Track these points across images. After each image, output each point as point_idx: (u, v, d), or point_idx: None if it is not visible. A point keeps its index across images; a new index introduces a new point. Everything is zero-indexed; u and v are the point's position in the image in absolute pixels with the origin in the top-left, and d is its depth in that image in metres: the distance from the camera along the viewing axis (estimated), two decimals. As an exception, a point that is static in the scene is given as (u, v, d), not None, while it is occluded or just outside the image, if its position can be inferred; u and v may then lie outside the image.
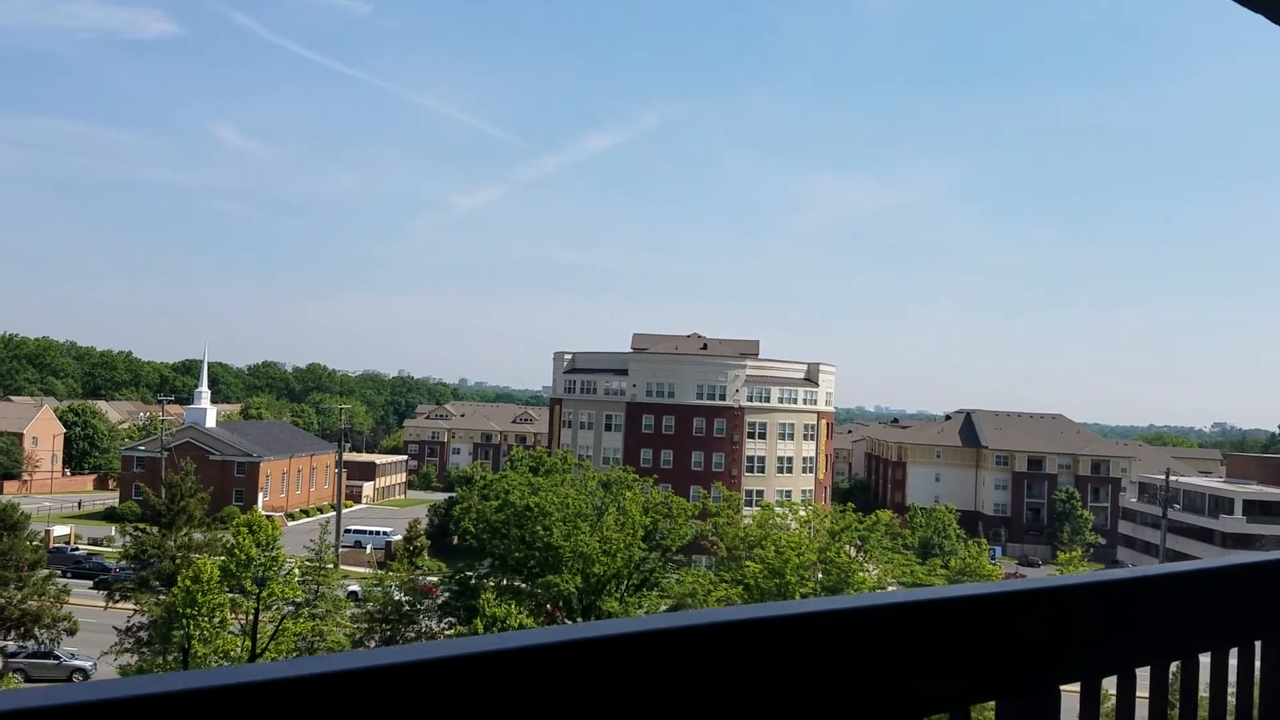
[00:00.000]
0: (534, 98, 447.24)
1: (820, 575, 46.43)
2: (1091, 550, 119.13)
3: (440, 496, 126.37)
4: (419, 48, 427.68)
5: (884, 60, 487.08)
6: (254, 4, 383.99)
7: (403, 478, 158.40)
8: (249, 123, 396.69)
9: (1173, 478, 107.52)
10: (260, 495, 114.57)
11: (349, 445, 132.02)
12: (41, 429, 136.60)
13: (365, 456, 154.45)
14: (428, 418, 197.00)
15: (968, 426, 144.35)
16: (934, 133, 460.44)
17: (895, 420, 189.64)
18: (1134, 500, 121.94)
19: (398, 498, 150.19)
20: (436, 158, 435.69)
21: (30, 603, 47.78)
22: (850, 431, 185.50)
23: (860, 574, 46.63)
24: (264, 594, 44.67)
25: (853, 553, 49.53)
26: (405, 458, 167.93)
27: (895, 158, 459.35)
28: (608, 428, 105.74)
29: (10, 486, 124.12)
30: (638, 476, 57.73)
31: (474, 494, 59.54)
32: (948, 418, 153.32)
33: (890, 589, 44.68)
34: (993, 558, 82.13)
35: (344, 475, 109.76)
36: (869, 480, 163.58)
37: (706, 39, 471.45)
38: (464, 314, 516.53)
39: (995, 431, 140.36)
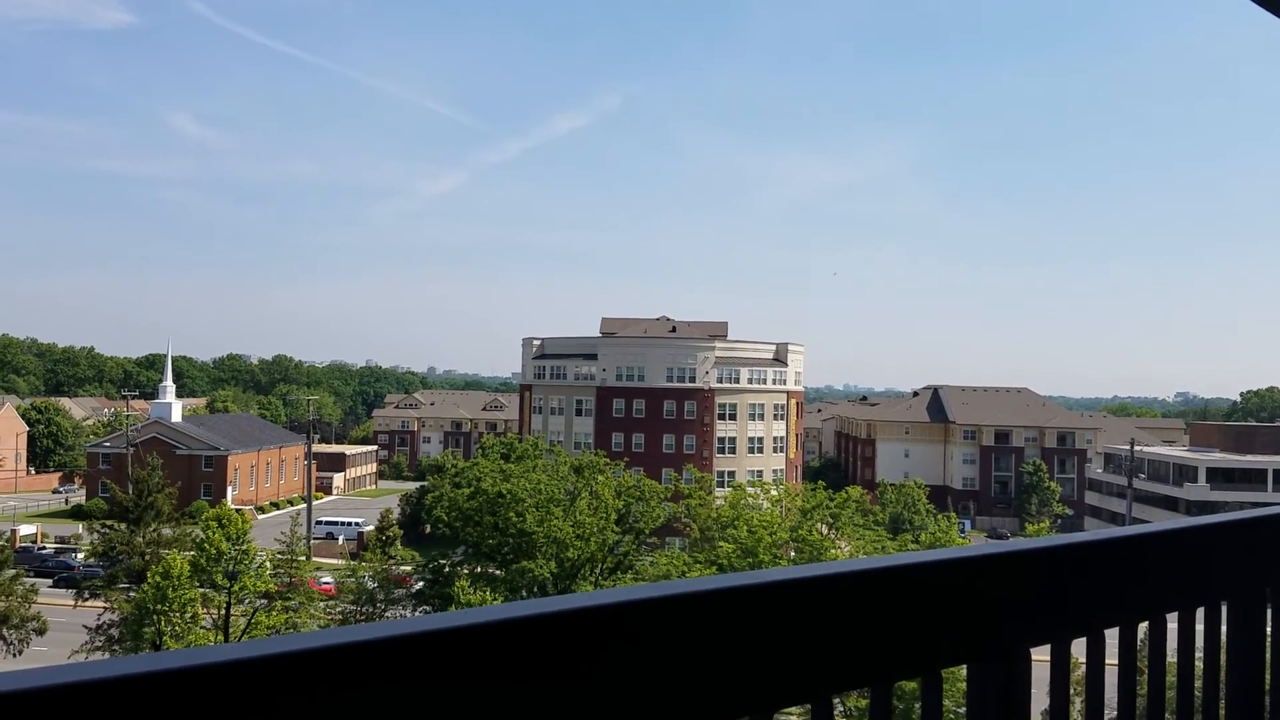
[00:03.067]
0: (496, 81, 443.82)
1: (793, 554, 46.78)
2: (1059, 521, 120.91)
3: (412, 486, 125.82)
4: (378, 33, 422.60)
5: (839, 33, 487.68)
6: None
7: (373, 468, 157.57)
8: (207, 111, 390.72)
9: (1137, 448, 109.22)
10: (229, 489, 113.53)
11: (318, 437, 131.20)
12: (4, 428, 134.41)
13: (335, 448, 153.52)
14: (397, 407, 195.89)
15: (935, 402, 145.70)
16: (889, 106, 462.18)
17: (864, 398, 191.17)
18: (1100, 471, 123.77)
19: (369, 488, 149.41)
20: (398, 143, 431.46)
21: (-3, 603, 47.16)
22: (820, 410, 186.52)
23: (833, 551, 47.03)
24: (235, 588, 44.39)
25: (825, 530, 49.95)
26: (375, 448, 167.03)
27: (853, 133, 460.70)
28: (578, 413, 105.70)
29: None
30: (609, 460, 57.83)
31: (446, 482, 59.38)
32: (915, 394, 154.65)
33: None
34: (962, 531, 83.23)
35: (314, 467, 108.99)
36: (839, 458, 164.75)
37: (663, 17, 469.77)
38: (431, 301, 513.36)
39: (962, 406, 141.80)
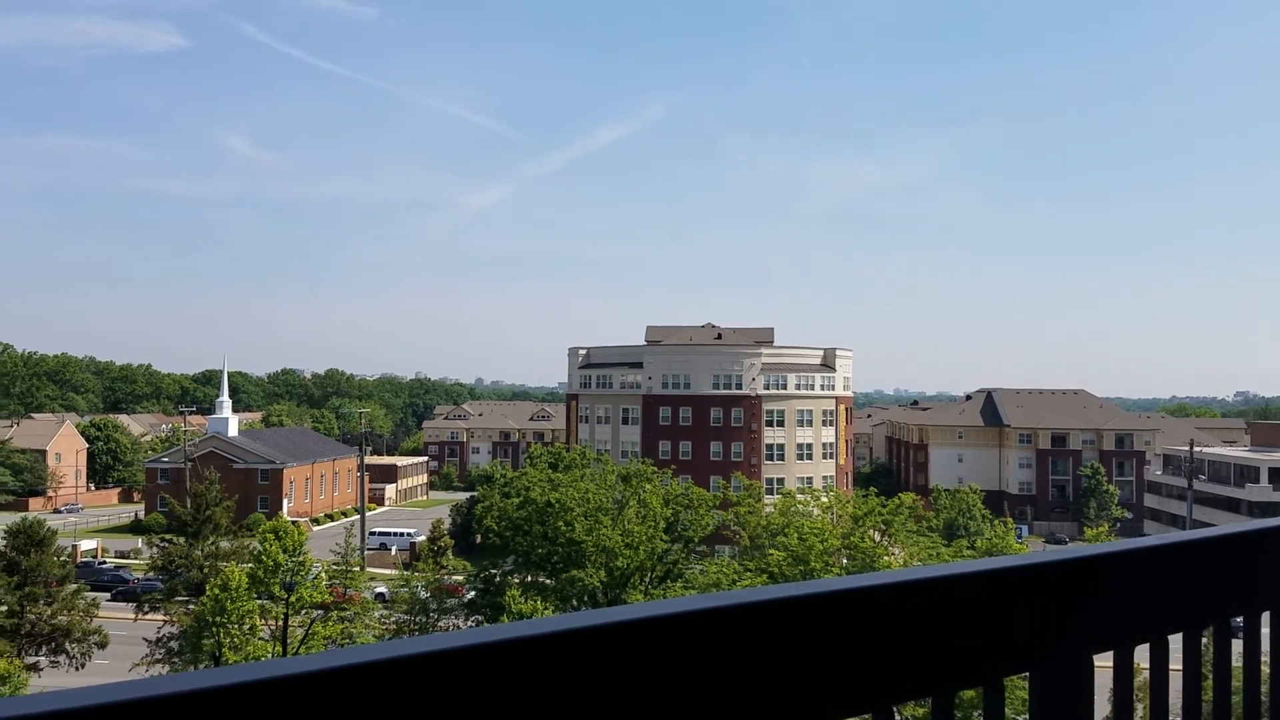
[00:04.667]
0: (540, 94, 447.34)
1: (845, 561, 46.28)
2: (1118, 525, 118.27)
3: (462, 496, 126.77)
4: (423, 50, 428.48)
5: (879, 36, 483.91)
6: (261, 14, 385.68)
7: (424, 479, 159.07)
8: (258, 131, 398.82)
9: (1197, 449, 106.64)
10: (285, 501, 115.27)
11: (370, 449, 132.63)
12: (64, 445, 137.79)
13: (386, 459, 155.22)
14: (446, 418, 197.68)
15: (989, 406, 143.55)
16: (932, 108, 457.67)
17: (915, 402, 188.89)
18: (1159, 473, 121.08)
19: (420, 499, 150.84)
20: (444, 158, 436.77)
21: (60, 618, 48.17)
22: (870, 415, 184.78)
23: (886, 558, 46.43)
24: (292, 599, 44.91)
25: (877, 537, 49.30)
26: (426, 459, 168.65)
27: (896, 135, 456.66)
28: (625, 421, 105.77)
29: (36, 503, 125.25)
30: (657, 469, 57.72)
31: (495, 492, 59.70)
32: (968, 397, 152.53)
33: None
34: (1019, 536, 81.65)
35: (366, 479, 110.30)
36: (891, 464, 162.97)
37: (704, 26, 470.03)
38: (478, 313, 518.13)
39: (1017, 409, 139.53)
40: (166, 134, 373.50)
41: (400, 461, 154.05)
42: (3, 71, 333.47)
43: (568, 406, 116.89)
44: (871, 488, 56.23)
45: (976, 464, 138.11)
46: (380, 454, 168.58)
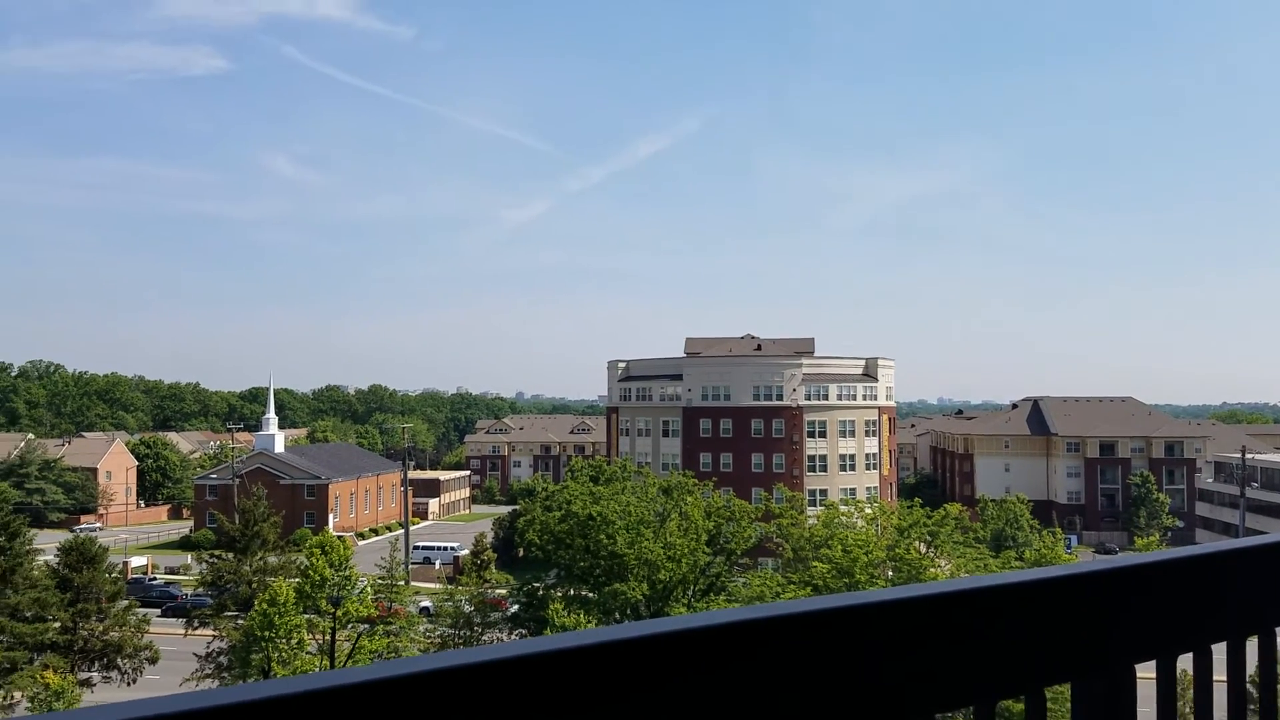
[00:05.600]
0: (577, 110, 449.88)
1: (890, 573, 45.76)
2: (1169, 534, 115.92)
3: (504, 510, 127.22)
4: (461, 68, 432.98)
5: (912, 47, 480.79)
6: (301, 36, 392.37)
7: (466, 493, 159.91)
8: (301, 152, 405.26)
9: (1249, 455, 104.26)
10: (330, 516, 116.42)
11: (413, 463, 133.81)
12: (114, 463, 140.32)
13: (429, 474, 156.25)
14: (487, 432, 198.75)
15: (1035, 414, 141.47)
16: (969, 117, 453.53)
17: (960, 412, 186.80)
18: (1210, 480, 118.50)
19: (463, 513, 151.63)
20: (484, 174, 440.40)
21: (112, 634, 48.92)
22: (914, 425, 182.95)
23: (932, 570, 45.85)
24: (339, 613, 45.24)
25: (923, 549, 48.72)
26: (468, 473, 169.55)
27: (932, 145, 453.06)
28: (665, 433, 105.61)
29: (87, 520, 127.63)
30: (698, 481, 57.54)
31: (537, 506, 59.84)
32: (1014, 406, 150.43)
33: None
34: (1069, 547, 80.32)
35: (410, 493, 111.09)
36: (936, 474, 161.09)
37: (737, 40, 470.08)
38: (518, 328, 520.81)
39: (1064, 418, 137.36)
40: (211, 156, 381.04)
41: (443, 476, 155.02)
42: (54, 98, 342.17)
43: (608, 419, 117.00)
44: (916, 499, 55.62)
45: (1023, 474, 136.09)
46: (423, 468, 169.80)
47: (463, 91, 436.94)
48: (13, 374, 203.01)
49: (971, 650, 1.41)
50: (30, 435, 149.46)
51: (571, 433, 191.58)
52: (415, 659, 1.00)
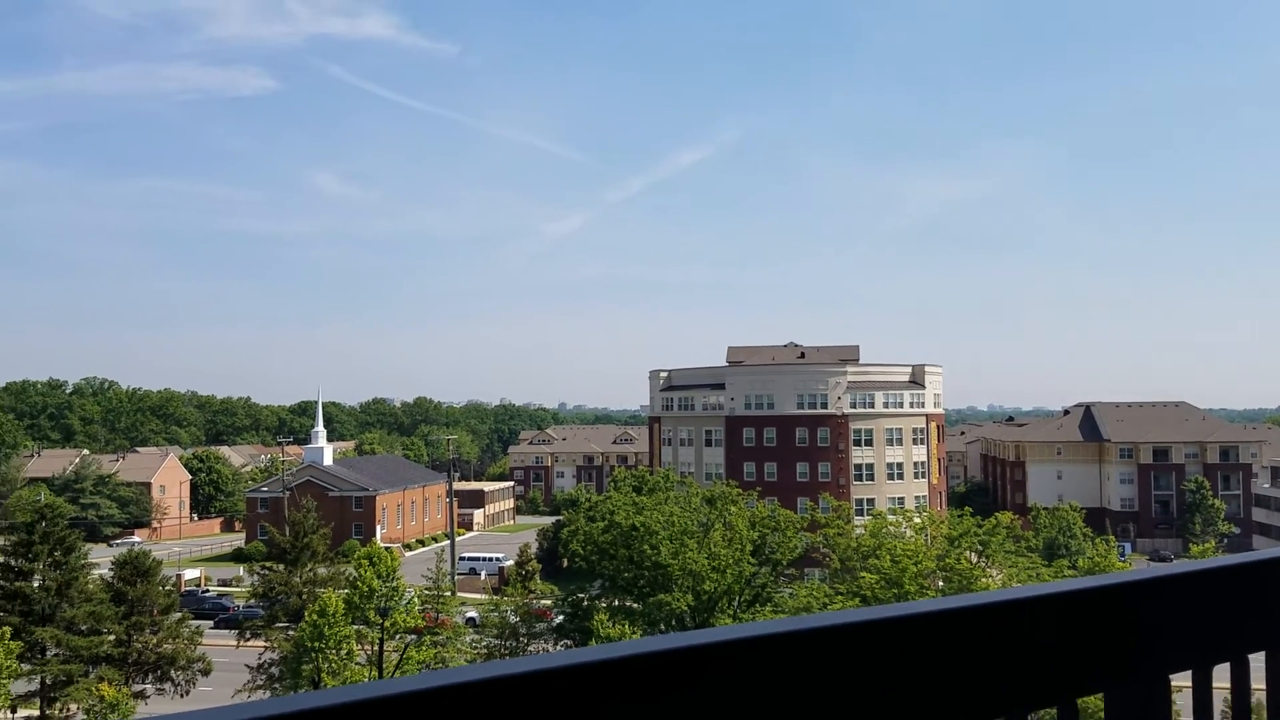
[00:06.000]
0: (616, 121, 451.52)
1: (941, 583, 45.09)
2: (1225, 540, 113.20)
3: (548, 520, 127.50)
4: (502, 83, 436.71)
5: (957, 48, 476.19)
6: (346, 55, 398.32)
7: (511, 503, 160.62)
8: (347, 168, 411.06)
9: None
10: (378, 528, 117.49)
11: (458, 474, 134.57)
12: (168, 477, 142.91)
13: (474, 485, 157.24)
14: (531, 443, 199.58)
15: (1088, 420, 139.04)
16: (1018, 118, 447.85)
17: (1010, 419, 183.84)
18: (1267, 485, 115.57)
19: (507, 523, 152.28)
20: (525, 187, 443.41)
21: (165, 646, 49.65)
22: (963, 433, 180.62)
23: (983, 580, 45.12)
24: (387, 624, 45.54)
25: (974, 558, 47.98)
26: (512, 484, 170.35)
27: (979, 148, 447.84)
28: (708, 443, 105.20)
29: (141, 534, 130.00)
30: (742, 491, 57.18)
31: (580, 516, 59.90)
32: (1066, 412, 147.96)
33: None
34: (1122, 554, 78.54)
35: (455, 504, 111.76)
36: (986, 482, 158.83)
37: (780, 45, 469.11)
38: (560, 339, 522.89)
39: (1117, 424, 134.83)
40: (259, 174, 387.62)
41: (487, 487, 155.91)
42: (105, 118, 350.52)
43: (650, 429, 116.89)
44: (966, 507, 54.77)
45: (1076, 481, 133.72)
46: (468, 479, 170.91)
47: (504, 106, 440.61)
48: (68, 391, 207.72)
49: (1003, 661, 1.40)
50: (85, 451, 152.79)
51: (614, 443, 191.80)
52: (466, 668, 1.02)
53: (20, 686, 44.77)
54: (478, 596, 77.42)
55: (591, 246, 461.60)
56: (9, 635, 41.10)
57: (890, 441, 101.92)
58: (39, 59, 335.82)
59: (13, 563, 49.08)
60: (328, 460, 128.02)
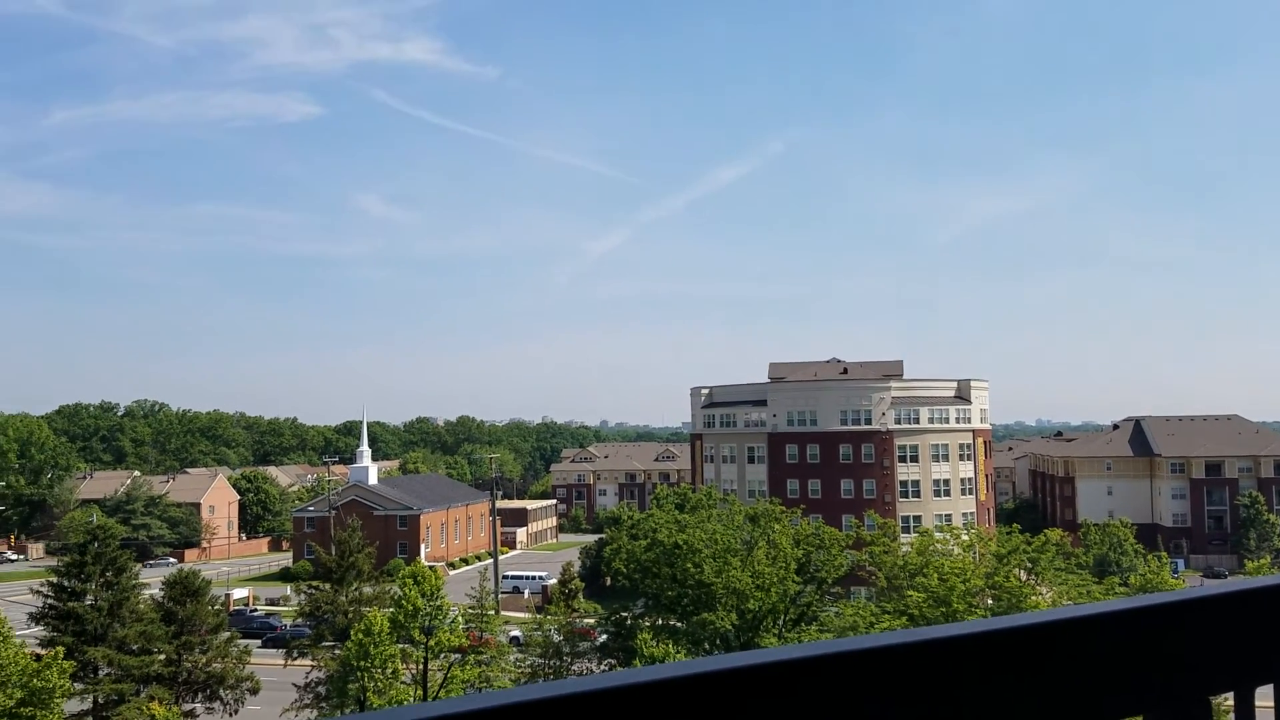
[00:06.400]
0: (657, 139, 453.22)
1: (990, 601, 44.33)
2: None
3: (590, 538, 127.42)
4: (545, 103, 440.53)
5: (1004, 64, 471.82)
6: (390, 79, 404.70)
7: (553, 522, 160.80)
8: (391, 191, 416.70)
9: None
10: (422, 547, 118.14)
11: (500, 493, 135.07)
12: (217, 497, 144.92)
13: (517, 503, 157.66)
14: (573, 461, 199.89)
15: (1138, 434, 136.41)
16: (1064, 133, 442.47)
17: (1059, 433, 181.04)
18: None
19: (550, 542, 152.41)
20: (566, 207, 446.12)
21: (215, 665, 50.15)
22: (1011, 449, 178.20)
23: (1033, 598, 44.27)
24: (431, 643, 45.64)
25: (1023, 576, 47.15)
26: (554, 502, 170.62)
27: (1026, 163, 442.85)
28: (751, 460, 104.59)
29: (192, 554, 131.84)
30: (785, 508, 56.71)
31: (623, 534, 59.70)
32: (1115, 427, 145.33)
33: None
34: (1175, 571, 76.88)
35: (498, 523, 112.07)
36: (1035, 498, 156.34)
37: (823, 59, 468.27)
38: (602, 357, 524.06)
39: (1168, 438, 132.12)
40: (306, 198, 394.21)
41: (530, 505, 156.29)
42: (156, 146, 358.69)
43: (692, 446, 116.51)
44: (1015, 524, 53.88)
45: (1126, 496, 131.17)
46: (510, 498, 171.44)
47: (546, 126, 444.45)
48: (119, 413, 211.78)
49: (1040, 684, 1.38)
50: (136, 472, 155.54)
51: (656, 460, 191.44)
52: (517, 689, 1.02)
53: (73, 706, 45.42)
54: (521, 615, 77.45)
55: (632, 264, 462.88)
56: (62, 655, 41.71)
57: (936, 458, 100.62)
58: (91, 89, 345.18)
59: (66, 583, 49.90)
60: (373, 479, 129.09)
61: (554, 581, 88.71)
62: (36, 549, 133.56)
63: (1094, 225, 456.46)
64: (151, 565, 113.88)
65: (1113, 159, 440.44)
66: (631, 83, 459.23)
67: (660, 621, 50.94)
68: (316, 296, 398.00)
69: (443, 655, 46.73)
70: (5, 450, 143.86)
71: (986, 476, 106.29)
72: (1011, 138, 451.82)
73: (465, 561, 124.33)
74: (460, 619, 48.57)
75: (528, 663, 51.83)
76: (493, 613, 53.97)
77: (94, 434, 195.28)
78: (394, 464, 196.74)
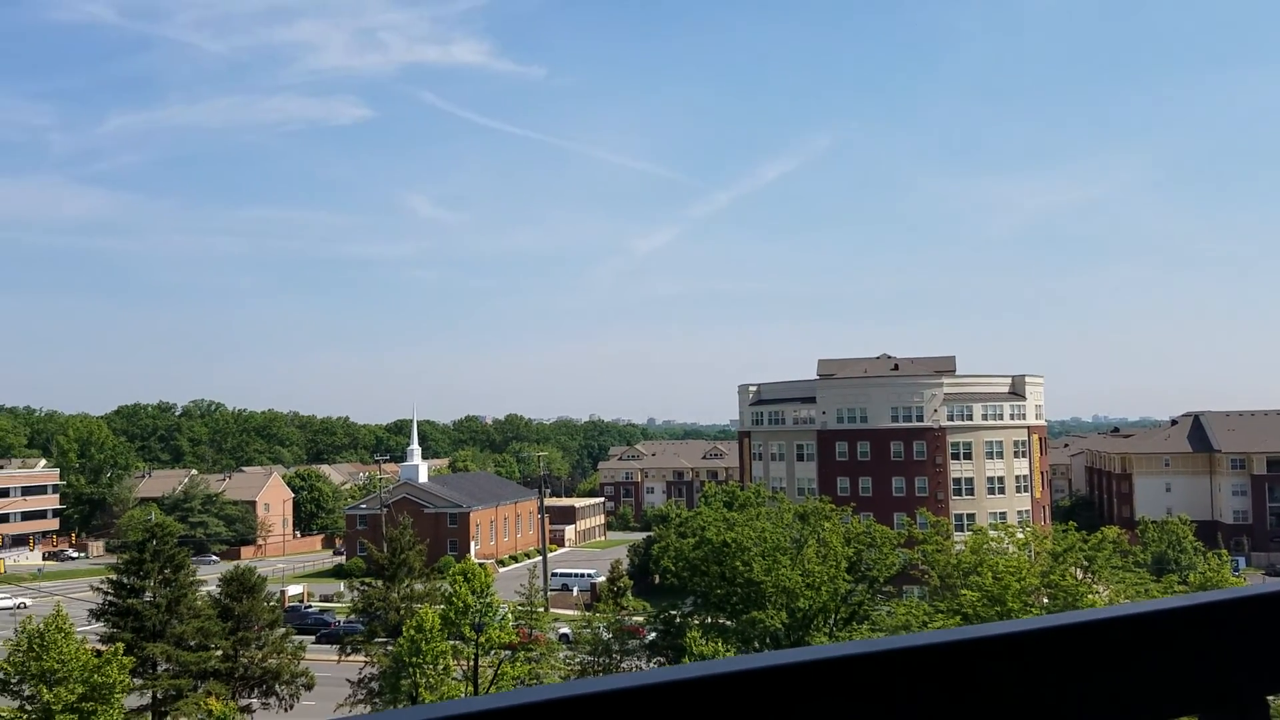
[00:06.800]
0: (702, 136, 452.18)
1: (1045, 600, 43.48)
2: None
3: (638, 536, 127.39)
4: (590, 103, 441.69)
5: (1057, 51, 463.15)
6: (439, 81, 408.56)
7: (601, 519, 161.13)
8: (440, 192, 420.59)
9: None
10: (472, 544, 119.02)
11: (549, 491, 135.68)
12: (272, 495, 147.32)
13: (565, 501, 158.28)
14: (620, 459, 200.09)
15: (1197, 430, 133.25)
16: (1120, 122, 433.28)
17: (1116, 429, 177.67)
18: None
19: (598, 539, 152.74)
20: (613, 205, 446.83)
21: (270, 661, 50.87)
22: (1067, 445, 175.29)
23: (1090, 596, 43.34)
24: (482, 640, 45.87)
25: (1079, 574, 46.21)
26: (602, 500, 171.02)
27: (1081, 152, 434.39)
28: (800, 458, 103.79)
29: (248, 552, 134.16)
30: (835, 506, 56.15)
31: (671, 532, 59.56)
32: (1174, 422, 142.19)
33: None
34: (1235, 569, 74.80)
35: (547, 520, 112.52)
36: (1091, 496, 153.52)
37: (870, 51, 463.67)
38: (649, 355, 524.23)
39: (1228, 433, 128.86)
40: (356, 200, 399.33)
41: (578, 503, 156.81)
42: (211, 151, 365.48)
43: (740, 444, 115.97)
44: (1071, 522, 52.87)
45: (1185, 493, 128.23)
46: (558, 496, 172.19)
47: (592, 125, 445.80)
48: (177, 413, 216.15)
49: (1093, 683, 1.37)
50: (194, 471, 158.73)
51: (704, 458, 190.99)
52: (577, 683, 1.03)
53: (133, 701, 46.30)
54: (570, 613, 77.64)
55: (679, 262, 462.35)
56: (122, 651, 42.53)
57: (990, 455, 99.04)
58: (146, 95, 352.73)
59: (125, 580, 50.90)
60: (423, 478, 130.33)
61: (602, 579, 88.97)
62: (96, 547, 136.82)
63: (1151, 217, 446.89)
64: (202, 562, 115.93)
65: (1170, 150, 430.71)
66: (677, 80, 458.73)
67: (710, 620, 50.71)
68: (367, 297, 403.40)
69: (493, 652, 46.93)
70: (66, 450, 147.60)
71: (1042, 473, 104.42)
72: (1065, 129, 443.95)
73: (514, 559, 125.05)
74: (510, 616, 48.76)
75: (577, 660, 51.91)
76: (542, 610, 54.13)
77: (152, 433, 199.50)
78: (443, 462, 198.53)
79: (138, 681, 45.94)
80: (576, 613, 72.38)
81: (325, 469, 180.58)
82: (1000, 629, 1.32)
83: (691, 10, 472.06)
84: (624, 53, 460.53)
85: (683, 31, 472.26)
